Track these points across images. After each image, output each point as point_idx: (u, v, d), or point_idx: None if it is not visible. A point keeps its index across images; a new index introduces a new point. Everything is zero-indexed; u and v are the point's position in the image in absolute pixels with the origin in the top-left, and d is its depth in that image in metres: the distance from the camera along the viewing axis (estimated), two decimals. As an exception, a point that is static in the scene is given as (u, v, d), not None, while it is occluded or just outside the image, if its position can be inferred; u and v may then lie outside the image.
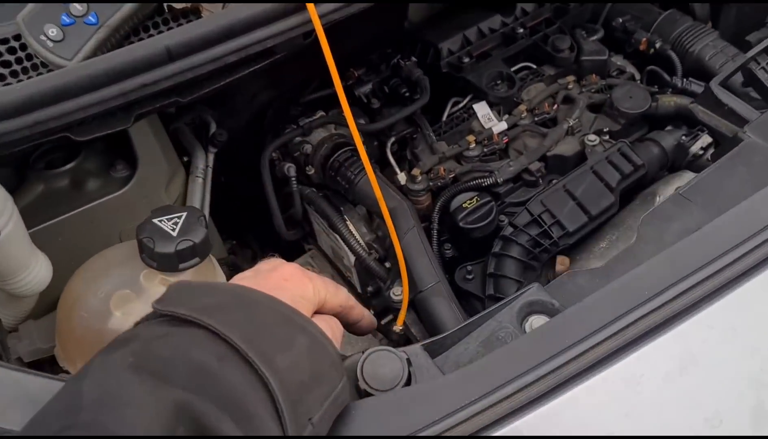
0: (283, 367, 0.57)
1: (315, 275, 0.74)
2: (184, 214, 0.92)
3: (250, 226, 1.74)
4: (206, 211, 1.31)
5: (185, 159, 1.40)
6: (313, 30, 0.89)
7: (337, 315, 0.77)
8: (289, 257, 1.66)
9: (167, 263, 0.91)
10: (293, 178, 1.34)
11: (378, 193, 1.09)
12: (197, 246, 0.91)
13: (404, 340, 1.20)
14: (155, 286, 0.92)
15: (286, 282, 0.69)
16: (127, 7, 0.86)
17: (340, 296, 0.76)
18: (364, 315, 0.82)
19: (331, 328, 0.71)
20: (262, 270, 0.73)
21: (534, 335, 0.63)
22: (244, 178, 1.59)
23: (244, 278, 0.72)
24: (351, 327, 0.82)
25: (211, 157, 1.39)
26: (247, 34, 0.85)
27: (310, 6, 0.89)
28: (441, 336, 0.70)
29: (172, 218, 0.92)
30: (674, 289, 0.62)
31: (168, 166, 1.31)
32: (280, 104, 1.52)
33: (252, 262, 1.68)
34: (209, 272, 0.98)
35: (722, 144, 0.97)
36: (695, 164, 1.37)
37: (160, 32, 0.90)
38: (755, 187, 0.73)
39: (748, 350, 0.65)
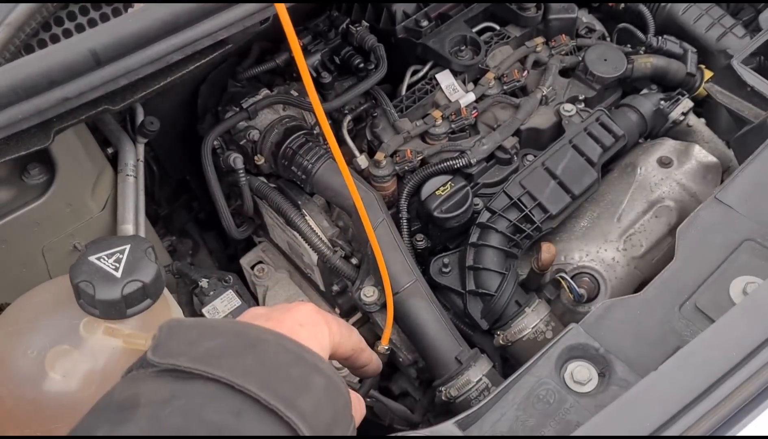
0: (307, 410, 0.53)
1: (330, 316, 0.68)
2: (127, 247, 0.76)
3: (187, 209, 1.56)
4: (142, 216, 1.14)
5: (110, 151, 1.21)
6: (272, 15, 0.72)
7: (347, 359, 0.73)
8: (237, 249, 1.50)
9: (113, 311, 0.75)
10: (241, 171, 1.18)
11: (352, 187, 0.94)
12: (148, 287, 0.75)
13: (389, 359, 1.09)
14: (99, 337, 0.76)
15: (301, 328, 0.62)
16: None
17: (353, 339, 0.71)
18: (372, 359, 0.77)
19: (354, 406, 0.63)
20: (276, 310, 0.66)
21: (606, 417, 0.52)
22: (178, 164, 1.41)
23: (258, 317, 0.64)
24: (357, 370, 0.78)
25: (141, 149, 1.21)
26: (193, 26, 0.68)
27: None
28: (474, 409, 0.58)
29: (113, 254, 0.75)
30: None
31: (92, 166, 1.12)
32: (215, 79, 1.33)
33: (192, 255, 1.51)
34: (163, 309, 0.82)
35: (748, 131, 0.87)
36: (674, 131, 1.29)
37: (78, 26, 0.71)
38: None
39: None
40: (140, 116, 1.20)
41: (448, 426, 0.57)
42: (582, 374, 0.60)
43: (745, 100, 0.89)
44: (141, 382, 0.54)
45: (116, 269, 0.74)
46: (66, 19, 0.71)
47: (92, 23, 0.71)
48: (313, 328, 0.62)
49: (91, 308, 0.75)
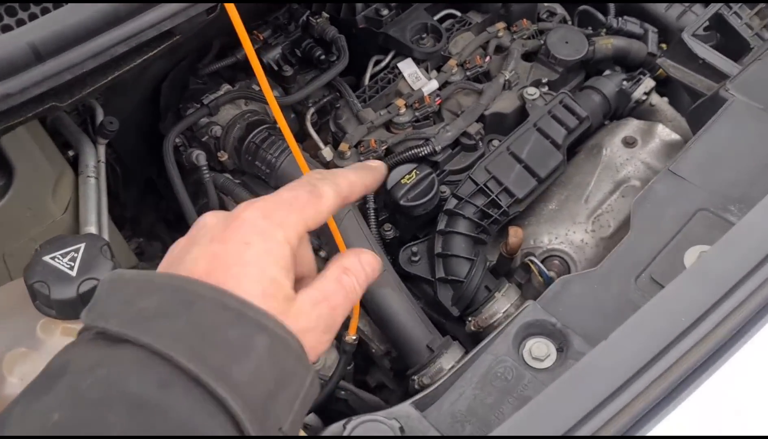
0: (242, 380, 0.48)
1: (284, 206, 0.56)
2: (82, 245, 0.74)
3: (155, 210, 1.54)
4: (104, 217, 1.12)
5: (70, 154, 1.20)
6: (219, 4, 0.71)
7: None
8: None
9: (69, 310, 0.73)
10: (204, 167, 1.16)
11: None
12: (104, 284, 0.74)
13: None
14: (57, 338, 0.75)
15: (248, 246, 0.53)
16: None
17: (324, 205, 0.58)
18: (366, 186, 0.63)
19: (331, 309, 0.55)
20: (223, 222, 0.56)
21: (557, 388, 0.52)
22: (142, 164, 1.40)
23: (206, 230, 0.55)
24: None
25: (101, 149, 1.19)
26: (137, 17, 0.66)
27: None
28: (432, 388, 0.58)
29: (67, 253, 0.74)
30: (718, 310, 0.51)
31: (51, 168, 1.10)
32: (175, 76, 1.32)
33: (161, 257, 1.49)
34: (122, 307, 0.80)
35: (700, 103, 0.87)
36: (638, 110, 1.29)
37: (19, 21, 0.69)
38: (753, 156, 0.63)
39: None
40: (100, 117, 1.18)
41: (405, 407, 0.57)
42: (540, 350, 0.60)
43: (697, 73, 0.89)
44: (76, 347, 0.50)
45: (71, 268, 0.73)
46: (5, 15, 0.70)
47: (34, 18, 0.70)
48: (263, 241, 0.53)
49: (48, 308, 0.74)
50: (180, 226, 1.54)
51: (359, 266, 0.58)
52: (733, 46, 0.90)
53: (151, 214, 1.50)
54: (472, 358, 0.59)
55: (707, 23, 0.93)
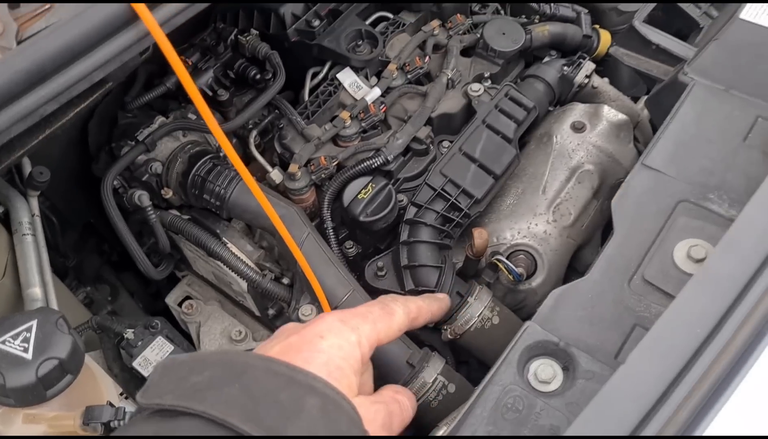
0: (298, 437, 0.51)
1: (359, 318, 0.63)
2: (34, 323, 0.68)
3: (98, 253, 1.46)
4: (48, 275, 1.05)
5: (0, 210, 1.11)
6: (151, 44, 0.66)
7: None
8: (160, 286, 1.42)
9: (29, 396, 0.67)
10: (149, 208, 1.10)
11: (268, 208, 0.89)
12: (65, 362, 0.68)
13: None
14: (18, 427, 0.68)
15: (321, 339, 0.59)
16: None
17: (395, 322, 0.67)
18: (432, 313, 0.74)
19: (389, 413, 0.60)
20: (302, 324, 0.63)
21: (585, 420, 0.49)
22: (79, 209, 1.31)
23: (284, 331, 0.63)
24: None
25: (34, 202, 1.11)
26: (64, 71, 0.60)
27: (141, 9, 0.64)
28: (444, 433, 0.54)
29: (18, 334, 0.67)
30: (734, 316, 0.49)
31: (-18, 231, 1.02)
32: (102, 113, 1.24)
33: (111, 301, 1.42)
34: (88, 379, 0.74)
35: (659, 89, 0.86)
36: (581, 94, 1.29)
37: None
38: (723, 139, 0.62)
39: None
40: (27, 167, 1.10)
41: (419, 460, 0.53)
42: (546, 372, 0.57)
43: (652, 58, 0.88)
44: (131, 427, 0.52)
45: (26, 350, 0.67)
46: None
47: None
48: (336, 338, 0.59)
49: (4, 398, 0.67)
50: (127, 265, 1.46)
51: (406, 396, 0.65)
52: (679, 25, 0.89)
53: (94, 259, 1.42)
54: (480, 393, 0.56)
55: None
